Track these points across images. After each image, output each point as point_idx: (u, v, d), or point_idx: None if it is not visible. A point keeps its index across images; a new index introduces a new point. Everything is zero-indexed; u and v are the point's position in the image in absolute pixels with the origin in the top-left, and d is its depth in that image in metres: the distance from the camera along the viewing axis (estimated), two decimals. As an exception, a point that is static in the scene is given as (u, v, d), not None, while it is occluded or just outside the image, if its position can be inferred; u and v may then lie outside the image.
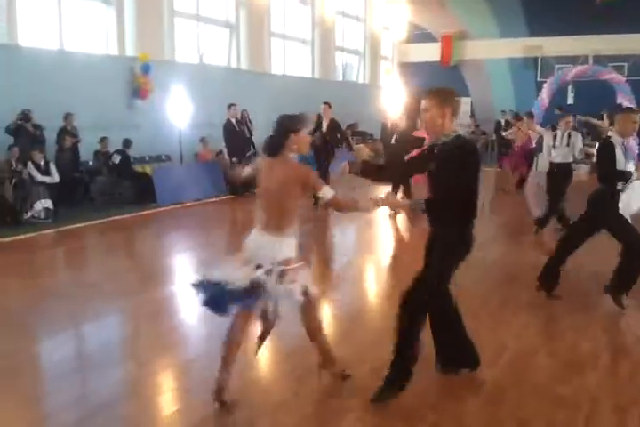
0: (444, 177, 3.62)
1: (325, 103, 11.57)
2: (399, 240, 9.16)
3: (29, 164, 9.82)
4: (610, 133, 5.57)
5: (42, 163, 10.00)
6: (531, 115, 13.28)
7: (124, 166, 11.47)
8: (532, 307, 5.61)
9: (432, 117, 3.65)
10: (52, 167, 10.19)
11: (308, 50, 19.56)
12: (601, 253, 7.24)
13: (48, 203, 9.70)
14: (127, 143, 11.56)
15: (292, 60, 18.83)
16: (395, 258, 7.99)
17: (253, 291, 3.58)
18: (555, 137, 8.48)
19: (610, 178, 5.43)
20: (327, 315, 5.79)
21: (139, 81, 12.71)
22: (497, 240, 9.05)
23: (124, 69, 12.64)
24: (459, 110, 3.72)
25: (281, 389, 4.08)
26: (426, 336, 3.93)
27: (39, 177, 9.86)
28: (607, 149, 5.42)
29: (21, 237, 8.63)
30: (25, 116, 10.33)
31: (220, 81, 14.92)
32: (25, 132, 10.30)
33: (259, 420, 3.61)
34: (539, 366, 4.32)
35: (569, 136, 8.39)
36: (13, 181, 9.56)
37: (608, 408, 3.70)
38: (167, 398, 3.99)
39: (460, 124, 18.37)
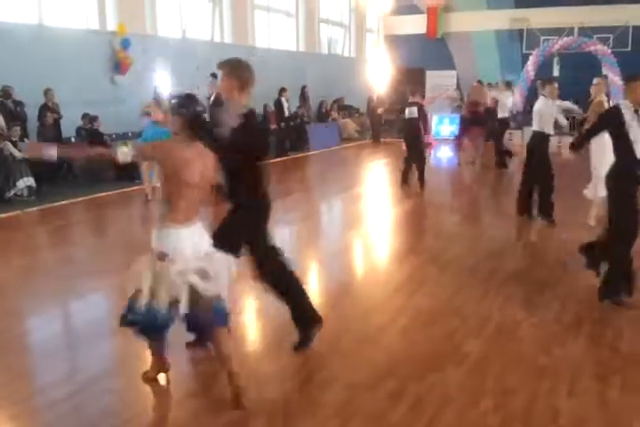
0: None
1: (213, 75, 9.71)
2: (387, 214, 9.19)
3: (6, 142, 9.67)
4: (620, 102, 4.99)
5: (15, 139, 9.83)
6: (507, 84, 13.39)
7: (95, 143, 11.26)
8: (516, 279, 5.68)
9: (224, 88, 3.84)
10: (26, 142, 10.03)
11: (293, 22, 19.31)
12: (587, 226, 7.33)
13: (30, 181, 9.62)
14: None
15: (276, 33, 18.59)
16: (383, 231, 8.02)
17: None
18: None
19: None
20: (316, 288, 5.85)
21: (119, 56, 12.52)
22: (482, 214, 9.11)
23: (105, 44, 12.43)
24: (248, 84, 3.80)
25: (268, 362, 4.12)
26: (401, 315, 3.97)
27: (17, 153, 9.73)
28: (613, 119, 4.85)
29: (5, 215, 8.56)
30: (5, 92, 10.17)
31: (204, 55, 14.72)
32: (5, 109, 10.15)
33: (247, 392, 3.64)
34: (522, 337, 4.38)
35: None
36: (-6, 158, 9.45)
37: (590, 378, 3.76)
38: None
39: (447, 97, 18.28)
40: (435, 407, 3.42)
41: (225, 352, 3.48)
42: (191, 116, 3.34)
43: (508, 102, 13.26)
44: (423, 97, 10.87)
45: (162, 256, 3.31)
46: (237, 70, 3.85)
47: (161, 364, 3.76)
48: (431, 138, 11.28)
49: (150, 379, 3.75)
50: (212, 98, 10.37)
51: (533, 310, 4.86)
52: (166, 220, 3.35)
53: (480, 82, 14.40)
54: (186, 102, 3.37)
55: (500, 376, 3.78)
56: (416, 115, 10.21)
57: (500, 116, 13.07)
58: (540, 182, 7.73)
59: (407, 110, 10.34)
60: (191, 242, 3.34)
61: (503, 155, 12.93)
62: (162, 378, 3.86)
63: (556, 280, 5.70)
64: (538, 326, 4.56)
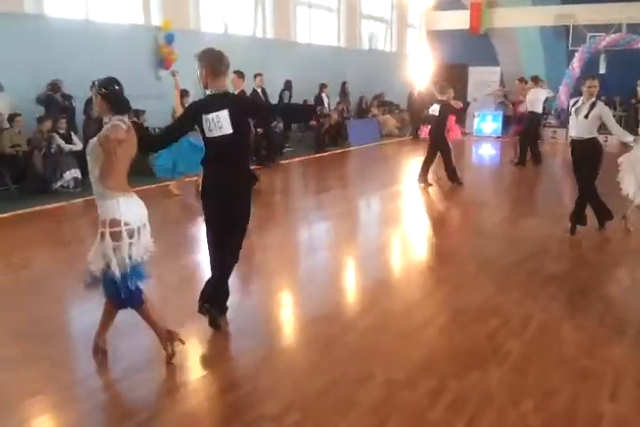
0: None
1: (235, 72, 9.90)
2: (425, 212, 9.12)
3: (55, 134, 9.88)
4: None
5: (63, 132, 10.02)
6: (534, 79, 13.04)
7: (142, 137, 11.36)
8: (559, 279, 5.58)
9: (200, 76, 4.32)
10: (74, 135, 10.25)
11: (334, 18, 19.28)
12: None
13: (77, 172, 9.81)
14: (137, 114, 11.43)
15: (317, 29, 18.57)
16: (421, 229, 7.97)
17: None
18: (574, 105, 6.99)
19: None
20: (354, 285, 5.85)
21: (163, 51, 12.67)
22: (525, 213, 8.97)
23: (149, 39, 12.59)
24: (215, 70, 4.28)
25: (305, 356, 4.13)
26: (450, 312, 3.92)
27: (65, 146, 9.92)
28: None
29: (51, 206, 8.76)
30: (54, 86, 10.38)
31: (246, 50, 14.81)
32: (54, 103, 10.37)
33: (281, 388, 3.66)
34: (564, 339, 4.31)
35: (592, 106, 6.78)
36: (43, 150, 9.66)
37: (633, 382, 3.68)
38: (193, 364, 4.07)
39: (489, 93, 18.04)
40: (475, 407, 3.38)
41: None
42: (113, 93, 3.76)
43: (539, 97, 12.93)
44: (452, 95, 10.71)
45: (115, 223, 3.72)
46: (205, 58, 4.33)
47: (168, 335, 3.93)
48: (455, 132, 11.12)
49: (171, 357, 3.91)
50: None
51: (576, 312, 4.78)
52: (114, 190, 3.73)
53: (521, 79, 14.22)
54: (106, 83, 3.80)
55: (542, 377, 3.72)
56: (437, 113, 10.27)
57: (529, 109, 12.76)
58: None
59: (431, 107, 10.48)
60: (135, 208, 3.82)
61: (538, 151, 12.80)
62: (200, 370, 3.92)
63: (600, 282, 5.59)
64: (581, 328, 4.47)
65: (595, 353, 4.05)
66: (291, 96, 15.10)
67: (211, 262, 4.51)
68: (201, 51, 4.41)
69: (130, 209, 3.76)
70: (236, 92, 10.21)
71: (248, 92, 12.50)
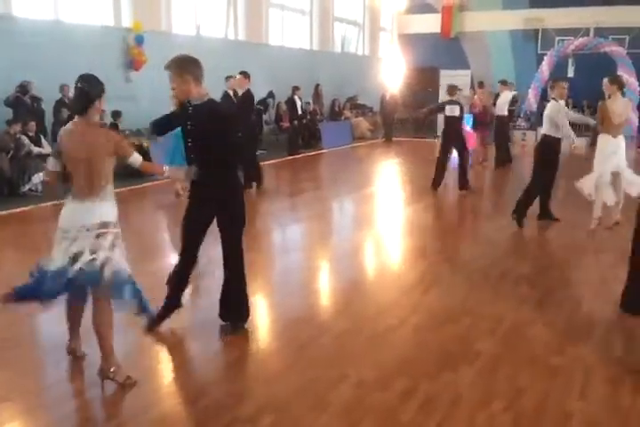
0: (207, 137, 4.06)
1: (242, 73, 10.10)
2: (399, 214, 9.17)
3: (23, 136, 9.74)
4: None
5: (32, 134, 9.88)
6: (502, 82, 13.55)
7: None
8: (530, 280, 5.65)
9: (178, 86, 4.07)
10: (43, 138, 10.12)
11: (307, 20, 19.30)
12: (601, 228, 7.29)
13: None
14: (116, 115, 11.35)
15: (290, 31, 18.59)
16: (395, 231, 8.01)
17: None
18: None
19: None
20: (328, 287, 5.85)
21: (133, 52, 12.56)
22: (495, 215, 9.07)
23: (119, 40, 12.48)
24: (198, 77, 4.08)
25: (279, 359, 4.12)
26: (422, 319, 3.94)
27: (34, 148, 9.79)
28: None
29: (18, 209, 8.61)
30: (23, 88, 10.21)
31: (218, 52, 14.75)
32: (23, 105, 10.20)
33: (255, 390, 3.66)
34: (534, 338, 4.36)
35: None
36: (10, 153, 9.50)
37: (602, 380, 3.74)
38: (166, 367, 4.04)
39: (461, 96, 18.20)
40: (446, 407, 3.41)
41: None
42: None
43: (507, 100, 13.25)
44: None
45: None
46: (185, 66, 4.10)
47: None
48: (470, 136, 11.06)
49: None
50: (240, 93, 10.44)
51: (546, 311, 4.84)
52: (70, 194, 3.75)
53: (481, 84, 14.61)
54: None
55: (512, 376, 3.76)
56: (457, 113, 9.99)
57: (498, 113, 13.13)
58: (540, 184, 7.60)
59: (448, 108, 10.09)
60: (69, 214, 3.78)
61: (502, 151, 13.23)
62: (172, 374, 3.89)
63: (568, 281, 5.67)
64: (550, 327, 4.53)
65: (564, 352, 4.11)
66: (274, 104, 15.87)
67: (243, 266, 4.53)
68: (175, 58, 4.13)
69: (63, 214, 3.77)
70: (240, 93, 10.26)
71: (218, 94, 12.48)
